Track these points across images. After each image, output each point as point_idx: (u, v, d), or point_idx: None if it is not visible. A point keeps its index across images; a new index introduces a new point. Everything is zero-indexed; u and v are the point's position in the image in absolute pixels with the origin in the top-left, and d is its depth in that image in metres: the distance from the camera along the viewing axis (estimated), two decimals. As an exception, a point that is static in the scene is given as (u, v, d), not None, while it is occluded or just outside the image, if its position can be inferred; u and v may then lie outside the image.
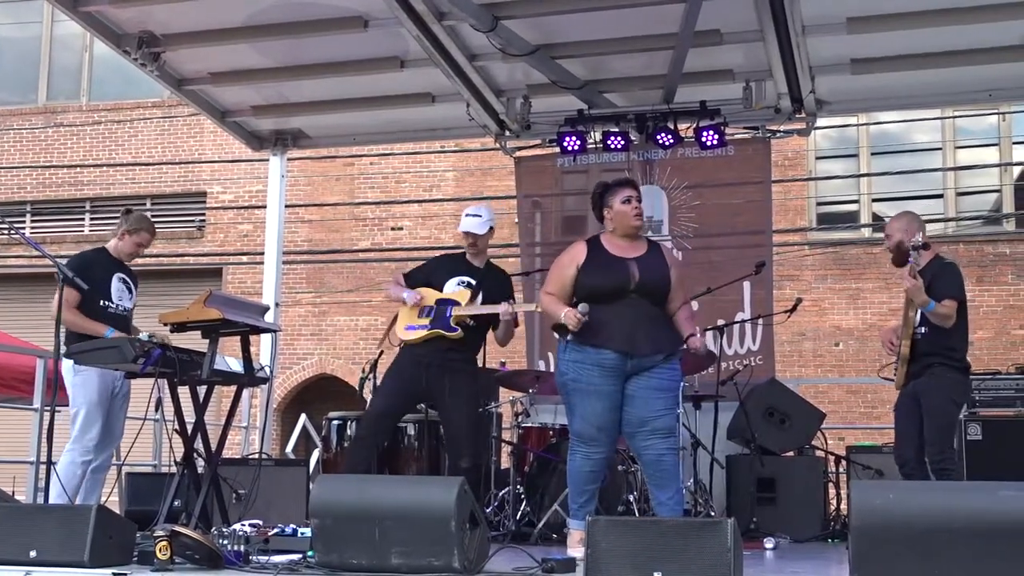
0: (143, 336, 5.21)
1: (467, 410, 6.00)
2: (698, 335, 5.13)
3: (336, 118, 8.37)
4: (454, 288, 6.10)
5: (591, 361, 5.03)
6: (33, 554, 4.25)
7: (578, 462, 5.13)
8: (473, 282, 6.09)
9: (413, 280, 6.23)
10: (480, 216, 6.14)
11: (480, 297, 6.03)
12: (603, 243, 5.25)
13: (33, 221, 16.52)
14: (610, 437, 5.12)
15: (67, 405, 6.39)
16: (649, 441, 5.05)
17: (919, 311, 5.59)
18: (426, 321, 6.00)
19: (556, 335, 5.30)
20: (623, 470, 6.34)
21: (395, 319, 6.18)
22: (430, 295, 6.08)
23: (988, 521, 3.49)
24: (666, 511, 5.06)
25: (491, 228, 6.18)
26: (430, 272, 6.25)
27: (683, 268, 5.37)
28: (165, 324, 5.39)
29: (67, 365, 5.82)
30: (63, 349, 5.56)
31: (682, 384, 5.36)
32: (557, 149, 7.86)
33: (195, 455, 5.44)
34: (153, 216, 11.25)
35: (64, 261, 6.05)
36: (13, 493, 7.69)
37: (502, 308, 5.90)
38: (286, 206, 9.08)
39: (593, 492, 5.16)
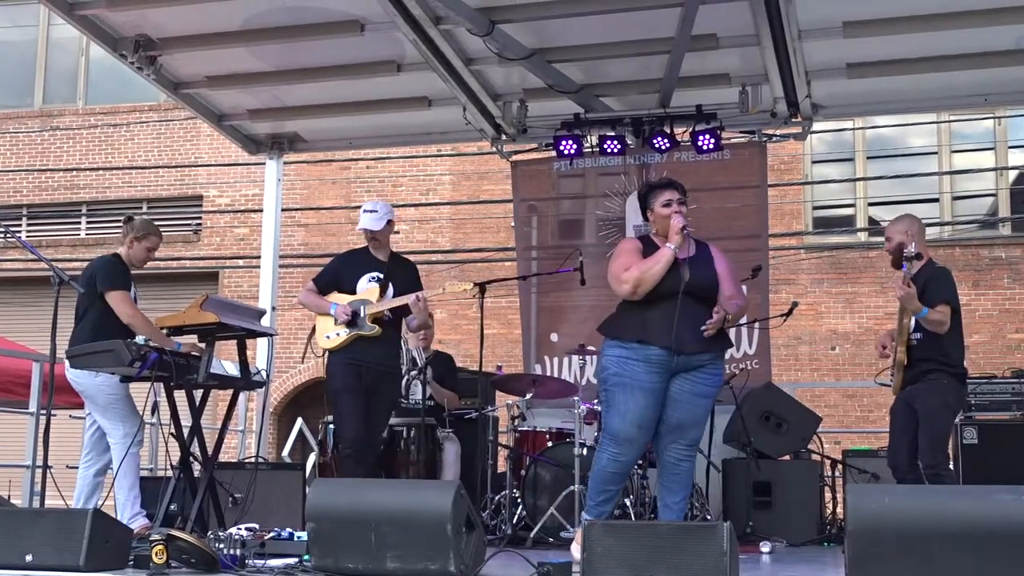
0: (139, 340, 5.20)
1: (387, 417, 6.31)
2: (730, 308, 5.05)
3: (332, 122, 8.38)
4: (366, 285, 6.23)
5: (637, 356, 5.00)
6: (29, 558, 4.26)
7: (604, 462, 5.07)
8: (382, 276, 6.23)
9: (322, 284, 6.34)
10: (376, 211, 6.30)
11: (391, 290, 6.17)
12: (655, 243, 5.24)
13: (29, 225, 16.51)
14: (645, 438, 5.07)
15: (63, 409, 6.38)
16: (675, 444, 5.07)
17: (913, 317, 5.59)
18: (342, 326, 6.12)
19: (602, 334, 5.28)
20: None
21: (314, 329, 6.30)
22: (342, 300, 6.20)
23: (983, 525, 3.50)
24: (671, 514, 5.07)
25: (389, 222, 6.33)
26: (338, 273, 6.35)
27: (730, 262, 5.36)
28: (162, 328, 5.40)
29: (79, 370, 5.80)
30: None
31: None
32: (553, 153, 7.87)
33: (191, 459, 5.44)
34: (149, 220, 11.23)
35: (80, 265, 6.08)
36: (9, 497, 7.67)
37: (411, 299, 6.05)
38: (282, 210, 9.08)
39: (612, 494, 5.09)
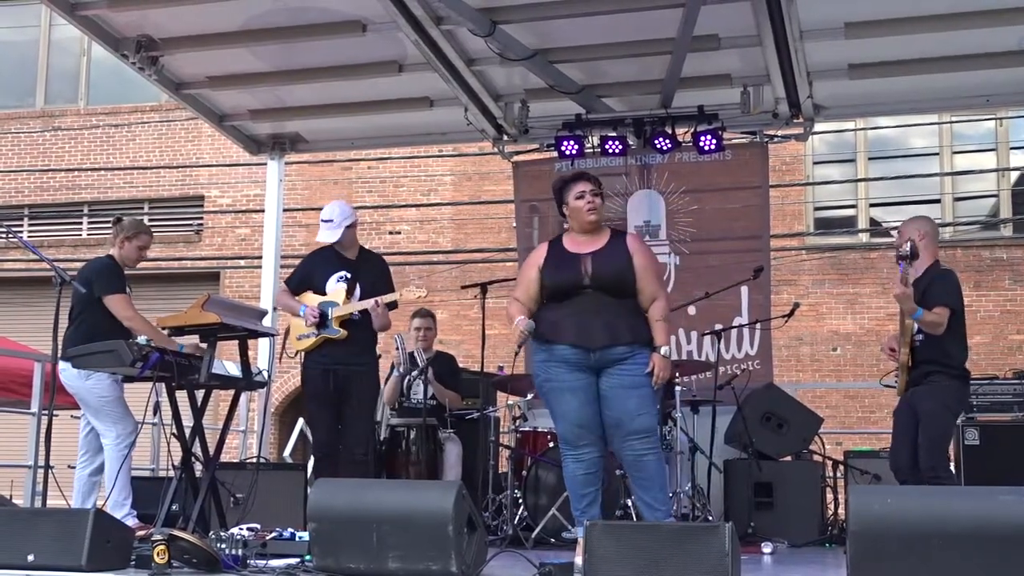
0: (141, 340, 5.20)
1: (368, 414, 6.34)
2: (663, 353, 5.02)
3: (334, 122, 8.38)
4: (335, 286, 6.26)
5: (554, 358, 5.02)
6: (31, 558, 4.25)
7: (570, 467, 5.08)
8: (349, 276, 6.25)
9: (293, 285, 6.41)
10: (332, 221, 6.27)
11: (358, 290, 6.20)
12: (563, 241, 5.23)
13: (31, 225, 16.52)
14: (595, 434, 5.03)
15: (64, 409, 6.37)
16: (627, 442, 4.99)
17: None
18: (312, 328, 6.18)
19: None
20: (620, 475, 6.32)
21: (288, 329, 6.37)
22: (313, 301, 6.24)
23: (986, 526, 3.49)
24: (651, 513, 5.01)
25: (348, 227, 6.29)
26: (308, 273, 6.39)
27: (653, 259, 5.29)
28: (163, 328, 5.39)
29: (72, 371, 5.80)
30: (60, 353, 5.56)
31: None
32: (555, 154, 7.86)
33: (193, 459, 5.44)
34: (151, 220, 11.25)
35: (80, 265, 6.09)
36: (11, 497, 7.67)
37: (370, 304, 6.08)
38: (284, 210, 9.08)
39: (593, 496, 5.06)
